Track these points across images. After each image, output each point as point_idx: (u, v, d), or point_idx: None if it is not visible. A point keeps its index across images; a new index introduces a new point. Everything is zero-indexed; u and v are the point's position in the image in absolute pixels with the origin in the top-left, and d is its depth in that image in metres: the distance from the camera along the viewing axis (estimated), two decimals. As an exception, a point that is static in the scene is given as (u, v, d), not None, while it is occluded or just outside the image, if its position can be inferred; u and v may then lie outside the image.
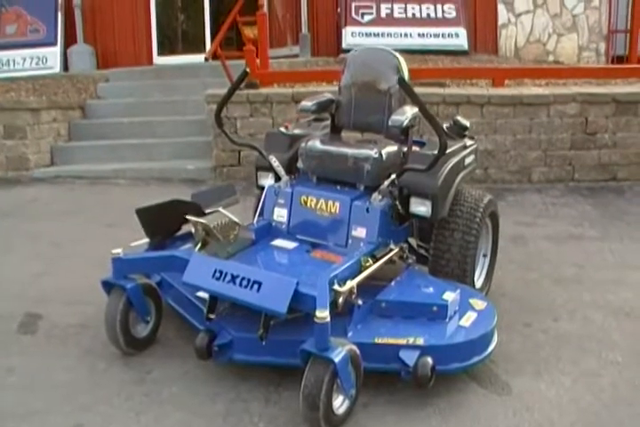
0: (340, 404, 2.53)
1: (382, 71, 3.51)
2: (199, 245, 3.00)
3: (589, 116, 5.56)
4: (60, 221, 4.98)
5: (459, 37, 8.14)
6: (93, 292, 3.66)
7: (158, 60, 8.18)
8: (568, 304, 3.59)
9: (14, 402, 2.74)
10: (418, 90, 3.43)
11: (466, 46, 8.16)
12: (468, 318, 2.91)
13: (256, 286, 2.67)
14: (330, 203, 3.22)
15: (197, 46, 8.24)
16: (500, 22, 8.33)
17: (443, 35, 8.13)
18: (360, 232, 3.15)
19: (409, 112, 3.27)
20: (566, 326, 3.36)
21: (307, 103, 3.55)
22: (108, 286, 3.03)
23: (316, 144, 3.36)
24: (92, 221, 4.95)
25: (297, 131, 3.64)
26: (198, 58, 8.16)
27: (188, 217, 2.99)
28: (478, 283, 3.48)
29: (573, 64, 8.12)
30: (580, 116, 5.56)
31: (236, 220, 3.25)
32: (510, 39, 8.34)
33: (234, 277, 2.73)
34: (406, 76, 3.50)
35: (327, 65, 7.53)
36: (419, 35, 8.12)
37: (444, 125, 3.64)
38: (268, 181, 3.54)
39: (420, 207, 3.19)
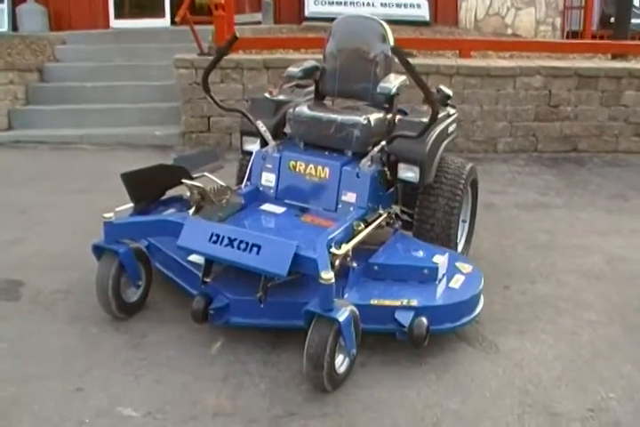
0: (341, 363, 2.59)
1: (368, 39, 3.52)
2: (193, 209, 2.98)
3: (553, 89, 5.71)
4: (27, 187, 4.82)
5: (420, 8, 8.17)
6: (73, 257, 3.64)
7: (115, 23, 7.91)
8: (542, 268, 3.75)
9: (9, 368, 2.70)
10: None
11: (427, 17, 8.21)
12: (457, 281, 3.01)
13: (255, 249, 2.69)
14: (319, 168, 3.24)
15: (156, 10, 8.01)
16: (460, -5, 8.40)
17: (405, 5, 8.15)
18: (350, 197, 3.19)
19: (396, 80, 3.34)
20: (542, 289, 3.51)
21: (293, 69, 3.54)
22: (98, 250, 2.98)
23: (305, 110, 3.36)
24: (61, 186, 4.82)
25: (281, 96, 3.63)
26: (158, 22, 8.00)
27: (184, 181, 2.97)
28: (459, 247, 3.58)
29: (531, 38, 8.29)
30: (545, 89, 5.70)
31: (224, 184, 3.25)
32: (470, 11, 8.42)
33: (231, 241, 2.74)
34: (392, 44, 3.52)
35: (291, 32, 7.46)
36: (381, 4, 8.12)
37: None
38: (253, 146, 3.53)
39: (408, 173, 3.25)
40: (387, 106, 3.48)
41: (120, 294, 2.97)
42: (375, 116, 3.32)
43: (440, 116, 3.39)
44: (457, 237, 3.47)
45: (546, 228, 4.33)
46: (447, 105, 3.60)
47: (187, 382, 2.64)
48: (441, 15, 8.32)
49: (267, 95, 3.63)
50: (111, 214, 2.94)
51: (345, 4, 8.11)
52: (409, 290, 2.90)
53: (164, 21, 7.98)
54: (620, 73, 5.73)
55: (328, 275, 2.45)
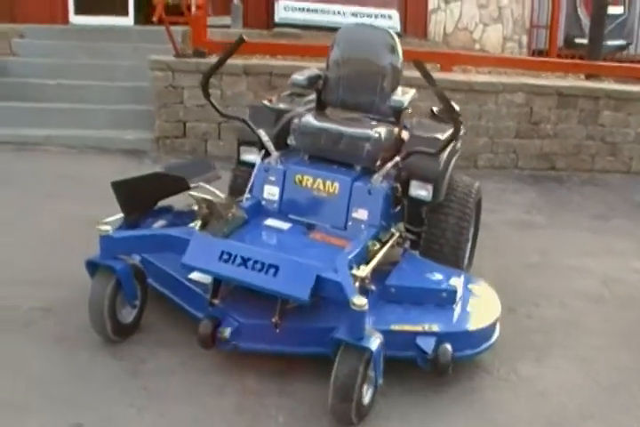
0: (366, 394, 2.41)
1: (376, 49, 3.40)
2: (199, 224, 2.74)
3: (534, 107, 5.71)
4: (-11, 192, 4.45)
5: (392, 19, 8.08)
6: (48, 270, 3.35)
7: (75, 19, 7.47)
8: (543, 290, 3.67)
9: (-8, 399, 2.40)
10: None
11: (398, 28, 8.13)
12: (474, 304, 2.89)
13: (272, 271, 2.49)
14: (328, 183, 3.06)
15: (119, 8, 7.64)
16: (430, 7, 8.36)
17: (376, 15, 8.04)
18: (361, 214, 3.02)
19: (408, 94, 3.22)
20: (547, 312, 3.43)
21: (298, 77, 3.37)
22: (93, 266, 2.71)
23: (311, 121, 3.18)
24: (28, 191, 4.43)
25: (281, 105, 3.44)
26: (121, 20, 7.61)
27: (191, 193, 2.73)
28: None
29: (498, 54, 8.34)
30: (526, 106, 5.69)
31: (225, 197, 3.03)
32: (439, 25, 8.41)
33: (245, 260, 2.53)
34: (400, 56, 3.41)
35: (262, 38, 7.24)
36: (352, 14, 7.98)
37: (435, 109, 3.59)
38: (251, 156, 3.32)
39: (421, 191, 3.11)
40: (392, 120, 3.36)
41: (115, 315, 2.71)
42: (385, 129, 3.18)
43: (450, 131, 3.30)
44: (465, 258, 3.35)
45: (537, 247, 4.28)
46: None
47: (196, 414, 2.41)
48: (411, 27, 8.25)
49: (266, 103, 3.44)
50: (109, 227, 2.68)
51: (315, 11, 7.94)
52: (428, 314, 2.76)
53: (128, 20, 7.61)
54: (598, 93, 5.79)
55: (361, 301, 2.28)
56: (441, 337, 2.62)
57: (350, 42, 3.47)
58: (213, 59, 5.55)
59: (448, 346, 2.58)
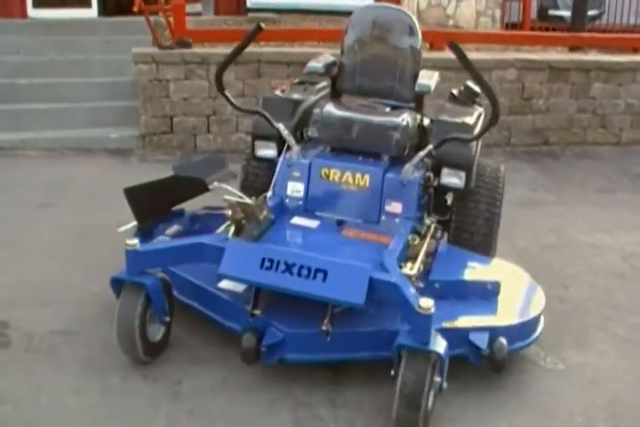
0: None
1: (394, 32, 3.22)
2: (233, 230, 2.55)
3: (526, 82, 5.62)
4: (-27, 204, 4.15)
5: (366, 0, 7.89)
6: (59, 288, 3.12)
7: (34, 13, 7.07)
8: (567, 271, 3.61)
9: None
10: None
11: (371, 9, 7.94)
12: (518, 295, 2.79)
13: (321, 276, 2.32)
14: (358, 176, 2.89)
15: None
16: (402, -15, 8.19)
17: (350, -3, 7.84)
18: (395, 207, 2.86)
19: (432, 78, 3.07)
20: (578, 294, 3.36)
21: (315, 64, 3.18)
22: (119, 283, 2.49)
23: (334, 111, 3.00)
24: (16, 201, 4.15)
25: (295, 95, 3.24)
26: (83, 12, 7.24)
27: (226, 197, 2.52)
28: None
29: (472, 29, 8.21)
30: (518, 82, 5.60)
31: (244, 197, 2.84)
32: (413, 2, 8.24)
33: (289, 266, 2.35)
34: (420, 37, 3.24)
35: (236, 24, 6.98)
36: (325, -5, 7.77)
37: (454, 91, 3.45)
38: (268, 151, 3.14)
39: (453, 179, 2.97)
40: (411, 105, 3.21)
41: (146, 334, 2.51)
42: (410, 116, 3.02)
43: (476, 115, 3.18)
44: (496, 245, 3.24)
45: (550, 226, 4.21)
46: (475, 102, 3.36)
47: (255, 436, 2.25)
48: (384, 6, 8.07)
49: (278, 93, 3.24)
50: (135, 241, 2.46)
51: (289, -6, 7.70)
52: (475, 308, 2.65)
53: (91, 12, 7.25)
54: (589, 65, 5.73)
55: (427, 303, 2.14)
56: (494, 332, 2.50)
57: (366, 24, 3.27)
58: (197, 49, 5.32)
59: (503, 340, 2.46)
